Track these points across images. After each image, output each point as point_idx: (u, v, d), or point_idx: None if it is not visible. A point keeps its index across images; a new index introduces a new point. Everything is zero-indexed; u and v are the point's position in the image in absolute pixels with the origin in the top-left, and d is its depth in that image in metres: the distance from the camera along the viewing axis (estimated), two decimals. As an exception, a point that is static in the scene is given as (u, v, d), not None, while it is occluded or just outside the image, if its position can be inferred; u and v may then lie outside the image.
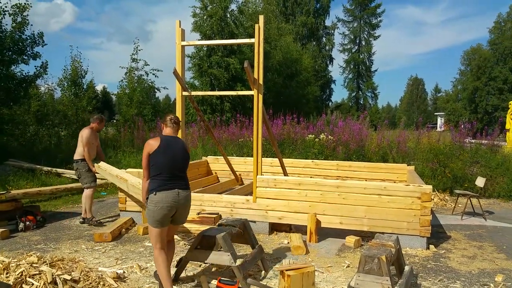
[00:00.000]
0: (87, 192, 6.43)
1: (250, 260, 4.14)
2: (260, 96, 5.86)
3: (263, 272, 4.39)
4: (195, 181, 7.83)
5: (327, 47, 42.79)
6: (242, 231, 4.40)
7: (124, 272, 4.28)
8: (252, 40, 5.86)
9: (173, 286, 3.59)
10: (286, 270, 3.30)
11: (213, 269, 4.45)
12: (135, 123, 14.68)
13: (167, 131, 3.81)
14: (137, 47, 17.79)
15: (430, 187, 5.11)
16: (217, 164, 9.34)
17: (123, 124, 16.23)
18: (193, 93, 6.33)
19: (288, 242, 5.46)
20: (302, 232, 5.84)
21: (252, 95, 5.85)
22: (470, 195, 7.11)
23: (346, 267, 4.56)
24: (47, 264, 3.78)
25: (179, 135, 6.16)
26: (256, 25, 5.76)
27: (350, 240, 5.41)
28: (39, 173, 9.79)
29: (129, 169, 6.77)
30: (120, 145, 13.02)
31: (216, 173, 9.40)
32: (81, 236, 5.75)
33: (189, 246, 5.20)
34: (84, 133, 6.32)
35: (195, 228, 5.77)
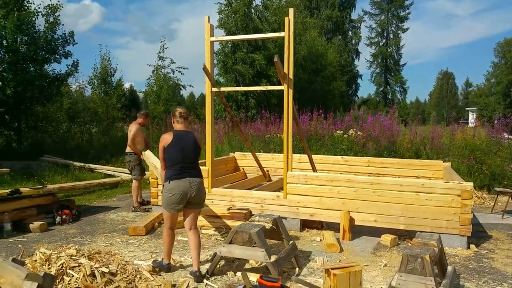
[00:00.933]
0: (134, 184, 7.06)
1: (284, 256, 4.10)
2: (290, 91, 5.79)
3: (297, 269, 4.33)
4: (223, 177, 7.85)
5: (353, 41, 42.12)
6: (275, 227, 4.36)
7: (159, 266, 4.32)
8: (282, 34, 5.79)
9: (171, 261, 4.24)
10: (332, 269, 3.21)
11: (246, 265, 4.42)
12: (163, 120, 14.89)
13: (177, 126, 4.16)
14: (163, 45, 18.03)
15: (471, 184, 4.91)
16: (244, 160, 9.33)
17: (151, 121, 16.48)
18: (222, 89, 6.33)
19: (321, 240, 5.38)
20: (334, 229, 5.75)
21: (280, 91, 5.78)
22: (511, 193, 6.82)
23: (383, 266, 4.45)
24: (85, 256, 3.85)
25: (208, 130, 6.21)
26: (286, 18, 5.68)
27: (386, 238, 5.27)
28: (72, 168, 10.06)
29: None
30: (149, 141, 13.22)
31: (243, 169, 9.39)
32: (116, 229, 5.86)
33: (221, 241, 5.22)
34: (132, 128, 6.96)
35: (226, 224, 5.80)
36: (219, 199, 6.16)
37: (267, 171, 9.03)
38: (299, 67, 22.59)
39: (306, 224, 5.92)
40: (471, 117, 45.18)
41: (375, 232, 5.51)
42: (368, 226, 5.44)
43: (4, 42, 11.16)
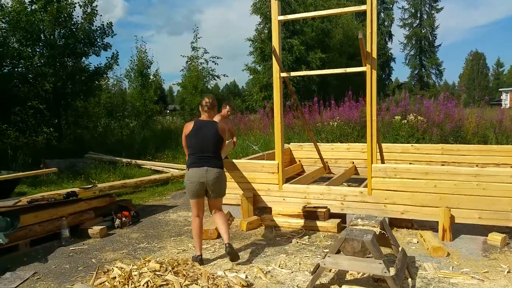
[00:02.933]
0: None
1: (401, 267, 3.43)
2: (374, 73, 5.06)
3: (409, 280, 3.67)
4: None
5: (386, 23, 40.40)
6: (384, 232, 3.70)
7: (247, 277, 3.74)
8: (363, 7, 5.07)
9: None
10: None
11: (348, 277, 3.79)
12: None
13: (202, 115, 4.22)
14: (196, 35, 17.47)
15: None
16: (300, 151, 8.67)
17: (189, 113, 16.06)
18: (293, 73, 5.66)
19: (418, 241, 4.69)
20: (425, 228, 5.07)
21: (360, 73, 5.07)
22: None
23: (507, 273, 3.74)
24: (170, 271, 3.31)
25: (277, 121, 5.55)
26: (368, -11, 4.94)
27: (495, 237, 4.52)
28: (120, 165, 9.67)
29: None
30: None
31: (299, 161, 8.75)
32: (182, 232, 5.34)
33: (304, 245, 4.61)
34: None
35: (303, 224, 5.20)
36: (291, 196, 5.54)
37: (326, 162, 8.35)
38: (336, 51, 21.58)
39: (394, 223, 5.21)
40: (505, 97, 42.82)
41: (473, 229, 4.84)
42: (465, 224, 4.74)
43: (42, 36, 10.81)
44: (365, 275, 3.74)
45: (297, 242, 4.76)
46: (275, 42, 5.45)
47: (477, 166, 7.44)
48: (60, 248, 4.84)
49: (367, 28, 5.03)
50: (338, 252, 3.38)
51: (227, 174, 5.87)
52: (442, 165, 7.60)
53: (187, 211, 6.45)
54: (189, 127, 4.15)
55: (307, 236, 4.93)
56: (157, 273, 3.24)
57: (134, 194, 7.91)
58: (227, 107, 6.87)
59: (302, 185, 5.65)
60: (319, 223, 5.16)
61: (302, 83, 18.07)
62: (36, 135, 11.97)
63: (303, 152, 8.69)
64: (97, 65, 11.80)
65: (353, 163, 8.28)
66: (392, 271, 3.20)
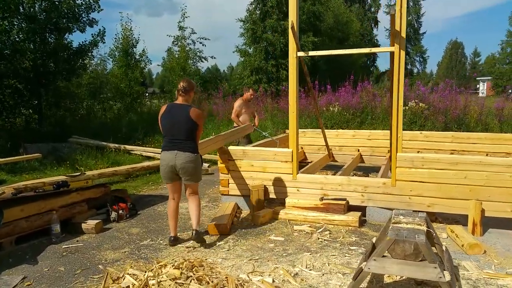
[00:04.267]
0: None
1: (451, 270, 3.06)
2: (402, 53, 4.63)
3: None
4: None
5: (372, 9, 40.03)
6: (429, 230, 3.30)
7: (274, 280, 3.30)
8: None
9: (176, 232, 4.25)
10: None
11: (386, 280, 3.39)
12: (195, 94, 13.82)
13: (178, 98, 4.12)
14: (184, 14, 16.62)
15: None
16: (303, 138, 8.24)
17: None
18: (311, 53, 5.15)
19: (447, 237, 4.34)
20: (448, 221, 4.76)
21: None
22: None
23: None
24: (192, 278, 2.82)
25: (292, 105, 5.07)
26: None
27: (530, 233, 4.23)
28: (107, 150, 9.01)
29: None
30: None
31: (302, 148, 8.33)
32: (187, 227, 4.83)
33: (326, 241, 4.18)
34: (236, 104, 7.28)
35: (321, 217, 4.78)
36: (306, 187, 5.10)
37: (330, 150, 7.95)
38: (326, 36, 21.08)
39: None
40: (482, 87, 43.53)
41: (501, 223, 4.52)
42: (495, 218, 4.43)
43: (21, 8, 9.85)
44: (404, 278, 3.36)
45: (318, 238, 4.33)
46: (293, 16, 4.92)
47: (487, 155, 7.21)
48: (51, 246, 4.27)
49: (397, 5, 4.56)
50: (385, 255, 2.96)
51: (236, 162, 5.42)
52: (451, 153, 7.32)
53: (186, 201, 5.93)
54: (162, 109, 4.13)
55: (328, 232, 4.52)
56: (178, 281, 2.74)
57: (126, 182, 7.33)
58: (250, 90, 7.33)
59: (319, 175, 5.23)
60: (338, 217, 4.75)
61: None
62: (14, 117, 11.10)
63: (306, 138, 8.28)
64: (82, 42, 10.93)
65: (358, 150, 7.91)
66: (447, 276, 2.81)
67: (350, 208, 4.92)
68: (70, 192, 4.85)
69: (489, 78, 43.93)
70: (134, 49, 14.67)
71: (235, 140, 6.85)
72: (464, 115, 9.12)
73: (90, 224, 4.67)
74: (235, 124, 7.23)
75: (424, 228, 3.19)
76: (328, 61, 21.00)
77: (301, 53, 5.05)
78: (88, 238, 4.53)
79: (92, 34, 11.39)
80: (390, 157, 7.35)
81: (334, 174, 7.53)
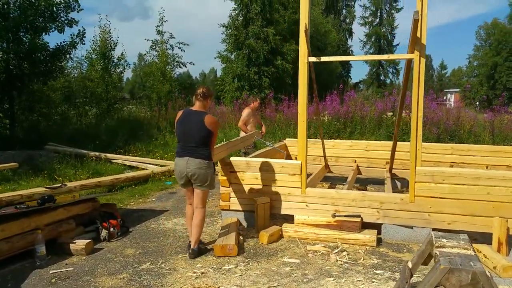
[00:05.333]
0: None
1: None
2: (423, 61, 4.37)
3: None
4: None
5: (347, 20, 40.63)
6: (475, 254, 3.00)
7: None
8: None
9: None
10: None
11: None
12: (175, 100, 13.32)
13: (195, 104, 4.09)
14: (162, 18, 16.11)
15: None
16: (296, 148, 7.89)
17: (156, 102, 14.77)
18: (324, 58, 4.82)
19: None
20: (473, 240, 4.49)
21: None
22: None
23: None
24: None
25: (302, 111, 4.71)
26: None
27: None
28: (87, 159, 8.36)
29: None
30: (166, 126, 11.62)
31: (296, 158, 7.99)
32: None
33: (347, 264, 3.80)
34: (244, 112, 7.28)
35: (334, 236, 4.43)
36: (316, 202, 4.74)
37: (326, 160, 7.66)
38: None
39: (436, 234, 4.59)
40: (450, 98, 45.21)
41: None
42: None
43: (-7, 5, 9.08)
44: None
45: (337, 261, 3.96)
46: (305, 19, 4.60)
47: (487, 167, 7.11)
48: (36, 271, 3.72)
49: (418, 5, 4.31)
50: (439, 285, 2.63)
51: (239, 175, 5.01)
52: (451, 166, 7.18)
53: (184, 217, 5.47)
54: (178, 115, 4.11)
55: (345, 252, 4.16)
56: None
57: (110, 195, 6.75)
58: (258, 100, 7.55)
59: (330, 190, 4.88)
60: (353, 235, 4.41)
61: (276, 75, 17.24)
62: (-17, 122, 10.21)
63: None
64: (60, 43, 10.19)
65: (355, 161, 7.66)
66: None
67: (363, 226, 4.60)
68: (56, 208, 4.29)
69: (457, 90, 45.57)
70: (112, 52, 14.00)
71: (242, 148, 6.69)
72: (457, 127, 9.07)
73: (79, 244, 4.13)
74: (242, 133, 7.19)
75: (472, 252, 2.89)
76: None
77: (312, 59, 4.72)
78: (78, 260, 3.99)
79: (71, 34, 10.67)
80: (390, 168, 7.18)
81: (330, 187, 7.30)
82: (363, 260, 3.98)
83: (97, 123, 12.54)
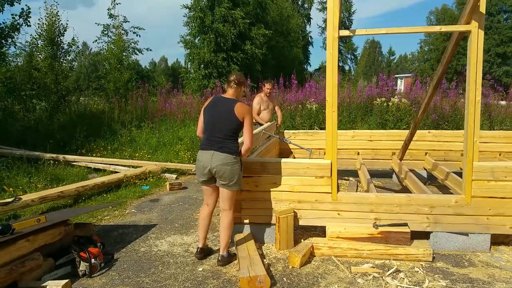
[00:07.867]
0: None
1: None
2: (481, 34, 3.57)
3: None
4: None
5: (305, 5, 40.05)
6: None
7: None
8: None
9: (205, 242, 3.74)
10: None
11: None
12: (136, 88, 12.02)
13: (227, 91, 3.69)
14: (114, 0, 14.46)
15: None
16: (293, 140, 7.05)
17: (114, 92, 13.24)
18: (359, 31, 3.88)
19: (548, 268, 3.40)
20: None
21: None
22: None
23: None
24: None
25: (333, 95, 3.79)
26: None
27: None
28: (41, 163, 6.96)
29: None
30: (131, 120, 10.27)
31: (293, 152, 7.14)
32: (199, 278, 3.32)
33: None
34: (254, 102, 6.82)
35: (383, 252, 3.60)
36: (350, 209, 3.87)
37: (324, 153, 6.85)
38: (270, 28, 20.06)
39: (492, 239, 3.89)
40: (400, 84, 46.55)
41: None
42: None
43: None
44: None
45: (398, 287, 3.11)
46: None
47: (500, 155, 6.63)
48: None
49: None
50: None
51: (251, 179, 4.03)
52: (462, 154, 6.64)
53: (179, 234, 4.42)
54: (207, 102, 3.71)
55: (402, 273, 3.33)
56: None
57: (76, 206, 5.51)
58: (269, 83, 6.88)
59: (367, 193, 4.01)
60: (403, 250, 3.60)
61: (246, 61, 16.16)
62: None
63: (297, 141, 7.08)
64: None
65: (358, 153, 6.91)
66: None
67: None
68: (16, 240, 3.09)
69: (409, 75, 46.88)
70: (62, 37, 12.25)
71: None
72: (453, 112, 8.59)
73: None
74: (254, 121, 6.63)
75: None
76: (277, 56, 20.06)
77: (344, 32, 3.80)
78: (51, 315, 2.85)
79: (12, 14, 8.96)
80: (401, 159, 6.49)
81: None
82: (429, 283, 3.16)
83: (49, 119, 10.89)
